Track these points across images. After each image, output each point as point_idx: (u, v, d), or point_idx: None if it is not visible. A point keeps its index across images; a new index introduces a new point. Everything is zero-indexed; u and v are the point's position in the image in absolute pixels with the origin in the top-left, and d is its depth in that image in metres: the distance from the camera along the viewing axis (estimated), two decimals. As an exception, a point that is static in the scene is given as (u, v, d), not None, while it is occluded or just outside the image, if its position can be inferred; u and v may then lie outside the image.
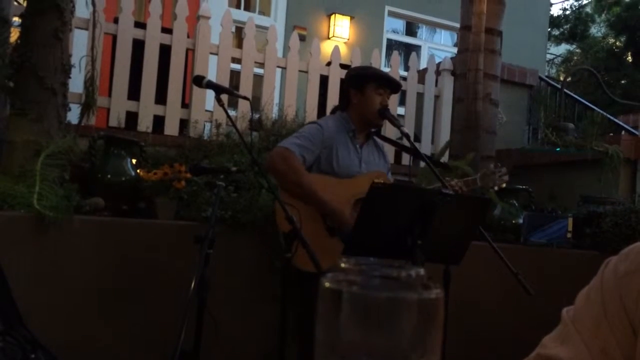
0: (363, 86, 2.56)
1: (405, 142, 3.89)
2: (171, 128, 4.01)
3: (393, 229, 2.05)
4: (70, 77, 2.96)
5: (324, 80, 4.53)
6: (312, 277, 1.83)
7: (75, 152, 2.85)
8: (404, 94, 4.93)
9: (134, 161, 3.04)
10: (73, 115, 3.42)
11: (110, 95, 3.89)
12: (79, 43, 3.67)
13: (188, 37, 4.15)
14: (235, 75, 4.46)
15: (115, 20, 3.95)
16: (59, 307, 2.46)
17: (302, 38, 5.07)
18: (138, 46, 3.95)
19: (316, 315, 0.36)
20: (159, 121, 4.00)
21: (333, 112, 2.74)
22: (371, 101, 2.54)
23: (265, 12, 7.68)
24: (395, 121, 2.60)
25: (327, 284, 0.36)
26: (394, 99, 4.70)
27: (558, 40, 13.46)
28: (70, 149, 2.78)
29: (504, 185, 2.90)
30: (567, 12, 13.59)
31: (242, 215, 2.78)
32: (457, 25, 4.89)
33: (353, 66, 3.66)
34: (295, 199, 2.33)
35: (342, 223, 2.36)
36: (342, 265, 0.41)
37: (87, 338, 2.49)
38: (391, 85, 2.60)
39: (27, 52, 2.75)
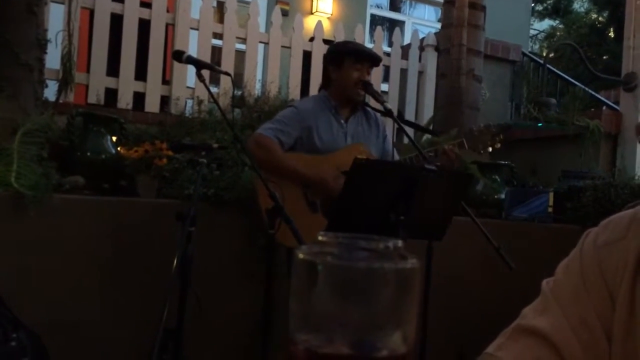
0: (341, 62, 2.56)
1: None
2: (152, 105, 3.95)
3: (376, 205, 2.05)
4: (46, 53, 2.90)
5: (307, 56, 4.49)
6: None
7: (53, 129, 2.80)
8: (387, 70, 4.90)
9: (114, 139, 3.00)
10: (50, 92, 3.36)
11: (88, 71, 3.81)
12: (55, 18, 3.58)
13: (168, 11, 4.07)
14: (216, 51, 4.40)
15: (93, -6, 3.85)
16: (40, 286, 2.44)
17: (284, 13, 5.00)
18: (116, 21, 3.87)
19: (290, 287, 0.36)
20: (139, 98, 3.93)
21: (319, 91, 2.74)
22: (349, 76, 2.53)
23: (247, -14, 7.56)
24: (379, 97, 2.58)
25: (301, 256, 0.35)
26: (377, 75, 4.69)
27: (541, 16, 13.44)
28: (48, 126, 2.72)
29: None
30: (551, -12, 13.55)
31: (225, 193, 2.77)
32: (441, 0, 4.86)
33: (334, 42, 3.62)
34: (279, 178, 2.32)
35: (325, 188, 2.38)
36: (320, 238, 0.40)
37: (70, 317, 2.47)
38: (369, 58, 2.58)
39: (0, 28, 2.68)
